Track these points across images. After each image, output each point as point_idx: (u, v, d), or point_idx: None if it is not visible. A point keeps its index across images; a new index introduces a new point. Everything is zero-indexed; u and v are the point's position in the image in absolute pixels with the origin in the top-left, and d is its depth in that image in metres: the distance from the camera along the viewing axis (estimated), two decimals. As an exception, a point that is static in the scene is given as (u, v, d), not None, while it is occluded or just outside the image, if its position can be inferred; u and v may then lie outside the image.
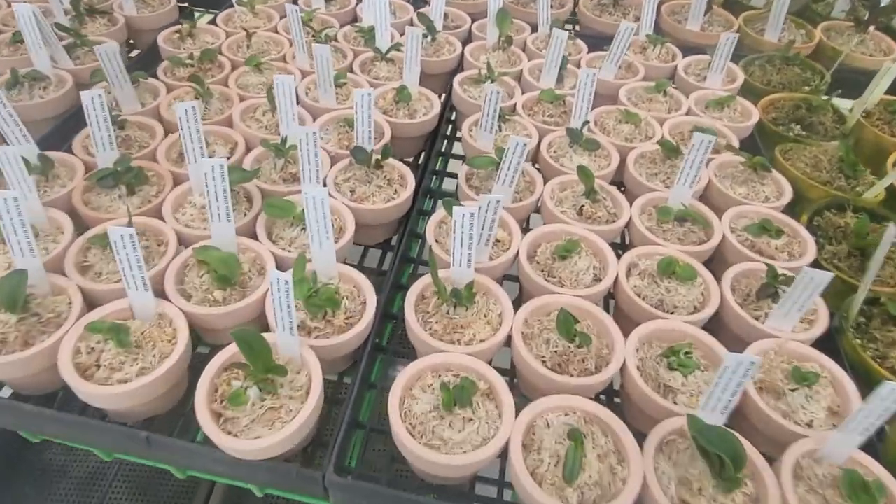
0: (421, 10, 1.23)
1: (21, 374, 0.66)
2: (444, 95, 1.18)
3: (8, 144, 0.83)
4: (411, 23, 1.28)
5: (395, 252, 0.86)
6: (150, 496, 1.38)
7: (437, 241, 0.81)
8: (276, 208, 0.79)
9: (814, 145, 1.03)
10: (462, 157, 1.11)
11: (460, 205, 0.71)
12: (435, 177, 1.06)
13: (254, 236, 0.79)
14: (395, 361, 0.78)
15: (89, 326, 0.64)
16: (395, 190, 0.88)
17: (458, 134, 1.14)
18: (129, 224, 0.75)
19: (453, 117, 1.17)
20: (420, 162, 1.06)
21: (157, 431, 0.65)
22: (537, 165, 0.98)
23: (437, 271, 0.71)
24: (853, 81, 1.17)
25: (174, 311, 0.69)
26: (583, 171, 0.85)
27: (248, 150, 0.92)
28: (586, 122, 0.97)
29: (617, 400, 0.76)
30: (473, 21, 1.30)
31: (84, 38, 1.10)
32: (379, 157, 0.87)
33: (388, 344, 0.79)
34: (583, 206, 0.86)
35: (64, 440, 0.71)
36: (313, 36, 1.15)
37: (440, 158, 1.10)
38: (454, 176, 1.06)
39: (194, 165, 0.82)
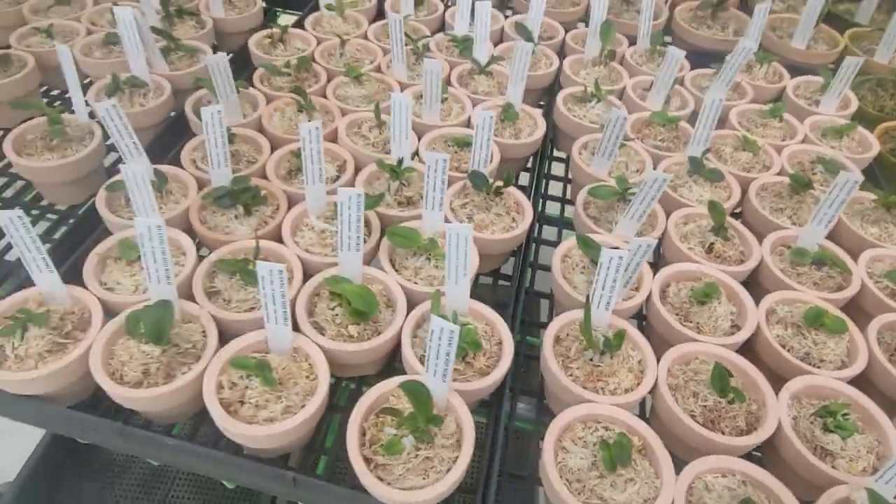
0: (518, 20, 1.19)
1: (163, 408, 0.64)
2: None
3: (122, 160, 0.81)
4: (502, 32, 1.24)
5: (515, 285, 0.83)
6: (211, 496, 1.37)
7: (564, 278, 0.78)
8: (400, 237, 0.76)
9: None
10: (559, 178, 1.07)
11: (591, 241, 0.68)
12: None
13: (372, 263, 0.77)
14: (519, 398, 0.76)
15: (234, 363, 0.62)
16: (513, 218, 0.85)
17: (555, 152, 1.11)
18: (257, 254, 0.73)
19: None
20: (527, 185, 1.02)
21: (293, 468, 0.63)
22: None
23: (587, 315, 0.68)
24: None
25: (310, 345, 0.67)
26: (714, 208, 0.82)
27: (356, 168, 0.90)
28: (707, 151, 0.93)
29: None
30: (566, 31, 1.26)
31: (178, 42, 1.08)
32: (501, 183, 0.84)
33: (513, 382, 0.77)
34: (712, 243, 0.82)
35: (200, 472, 0.70)
36: (409, 46, 1.11)
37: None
38: (555, 199, 1.03)
39: (314, 187, 0.79)
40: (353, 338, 0.68)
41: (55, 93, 1.15)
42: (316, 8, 1.31)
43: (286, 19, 1.35)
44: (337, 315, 0.70)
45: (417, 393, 0.57)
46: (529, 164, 1.06)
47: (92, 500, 1.36)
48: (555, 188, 1.05)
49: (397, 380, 0.63)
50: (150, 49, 1.01)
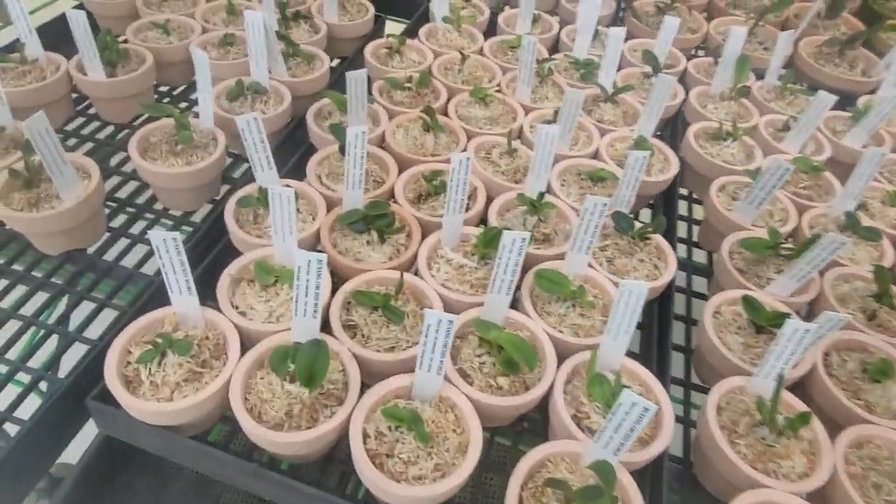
0: (645, 46, 1.13)
1: (302, 452, 0.60)
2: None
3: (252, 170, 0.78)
4: (622, 56, 1.19)
5: (660, 338, 0.77)
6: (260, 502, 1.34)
7: (718, 337, 0.72)
8: (548, 281, 0.71)
9: None
10: (683, 218, 1.01)
11: (758, 305, 0.62)
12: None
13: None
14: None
15: (387, 412, 0.58)
16: (656, 265, 0.80)
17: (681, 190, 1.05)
18: (399, 289, 0.69)
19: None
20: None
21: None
22: (792, 245, 0.88)
23: (776, 395, 0.62)
24: None
25: (458, 396, 0.62)
26: (880, 273, 0.75)
27: (491, 199, 0.85)
28: (860, 206, 0.86)
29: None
30: (687, 59, 1.19)
31: (297, 48, 1.04)
32: (651, 229, 0.79)
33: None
34: (875, 311, 0.76)
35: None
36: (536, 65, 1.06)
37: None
38: (681, 240, 0.97)
39: (453, 217, 0.75)
40: (503, 390, 0.64)
41: (163, 89, 1.13)
42: (426, 18, 1.27)
43: (392, 27, 1.31)
44: (485, 364, 0.65)
45: (605, 474, 0.52)
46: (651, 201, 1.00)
47: (144, 494, 1.34)
48: (681, 228, 0.99)
49: (560, 446, 0.59)
50: (272, 55, 0.98)
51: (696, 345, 0.76)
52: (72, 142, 1.00)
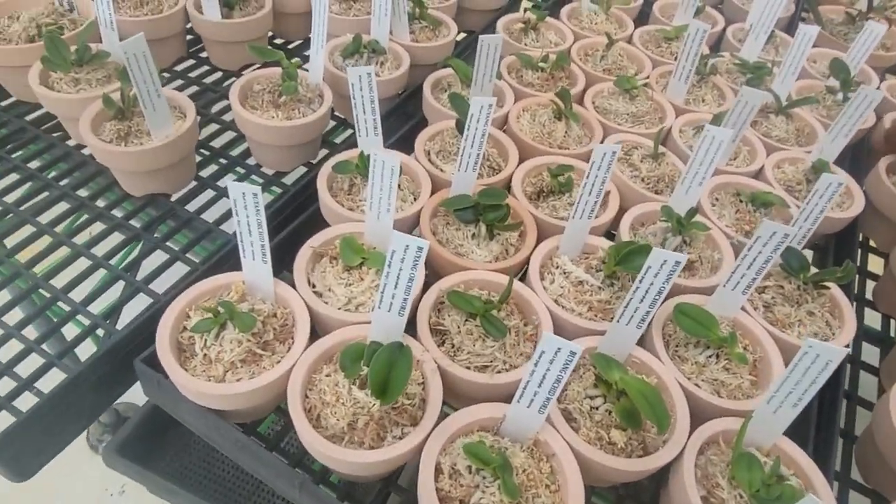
0: (838, 56, 0.94)
1: (362, 473, 0.50)
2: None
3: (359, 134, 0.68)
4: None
5: (822, 420, 0.60)
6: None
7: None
8: (692, 320, 0.56)
9: None
10: (861, 270, 0.82)
11: None
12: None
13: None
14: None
15: (469, 449, 0.46)
16: (828, 323, 0.62)
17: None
18: (505, 298, 0.56)
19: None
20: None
21: None
22: None
23: None
24: None
25: (558, 442, 0.49)
26: None
27: (623, 208, 0.71)
28: None
29: None
30: (881, 79, 0.99)
31: (425, 10, 0.94)
32: (835, 276, 0.62)
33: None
34: None
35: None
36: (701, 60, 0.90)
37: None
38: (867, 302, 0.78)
39: (579, 223, 0.61)
40: (615, 446, 0.50)
41: (278, 41, 1.06)
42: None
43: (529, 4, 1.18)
44: (597, 409, 0.52)
45: None
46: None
47: (199, 443, 1.30)
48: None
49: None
50: (397, 14, 0.88)
51: (866, 435, 0.59)
52: (177, 83, 0.95)
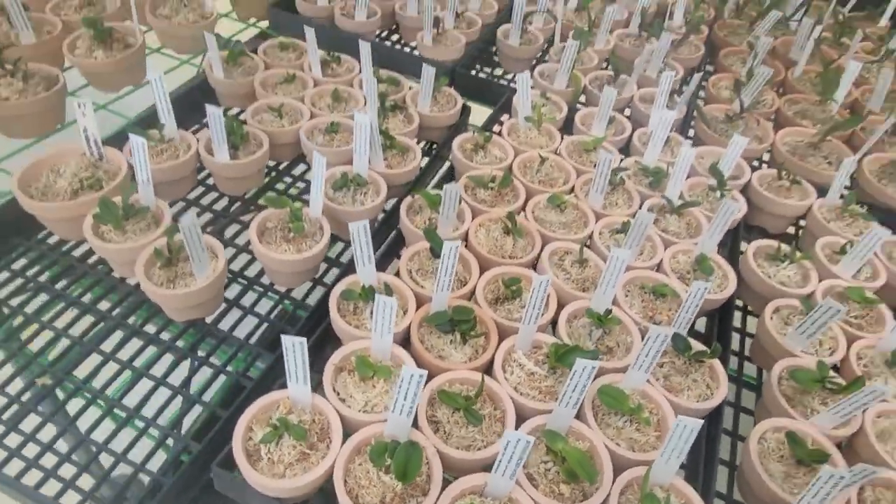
0: (715, 155, 1.21)
1: (390, 536, 0.71)
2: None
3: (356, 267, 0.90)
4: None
5: (707, 455, 0.85)
6: None
7: (761, 464, 0.79)
8: (610, 398, 0.80)
9: None
10: (737, 329, 1.08)
11: (801, 441, 0.69)
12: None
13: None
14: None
15: (466, 513, 0.68)
16: (708, 385, 0.87)
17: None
18: (480, 392, 0.79)
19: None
20: (703, 331, 1.04)
21: None
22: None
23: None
24: None
25: (526, 499, 0.71)
26: (922, 418, 0.81)
27: (560, 305, 0.94)
28: (913, 347, 0.92)
29: None
30: (753, 171, 1.27)
31: (393, 141, 1.17)
32: (709, 351, 0.87)
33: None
34: (915, 452, 0.82)
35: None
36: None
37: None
38: (733, 353, 1.04)
39: (529, 327, 0.85)
40: (564, 497, 0.73)
41: (271, 163, 1.27)
42: (507, 109, 1.38)
43: (478, 111, 1.43)
44: (549, 470, 0.75)
45: None
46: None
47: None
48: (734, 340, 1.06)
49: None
50: (374, 149, 1.11)
51: (741, 465, 0.84)
52: (192, 211, 1.15)
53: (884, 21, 1.82)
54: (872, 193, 1.30)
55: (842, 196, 1.20)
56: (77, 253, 1.05)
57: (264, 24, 1.72)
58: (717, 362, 0.89)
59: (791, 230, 1.29)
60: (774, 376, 0.89)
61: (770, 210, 1.21)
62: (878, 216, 1.20)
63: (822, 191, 1.23)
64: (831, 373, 0.88)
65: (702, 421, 0.68)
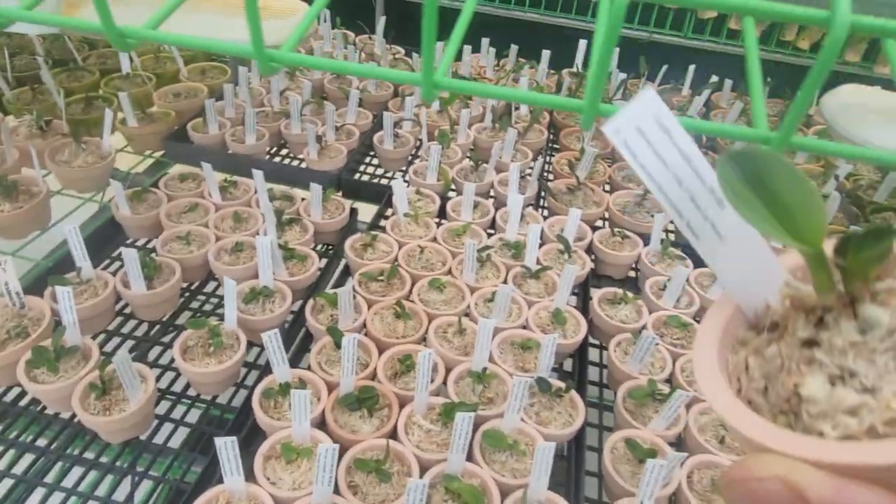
0: (560, 233, 1.49)
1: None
2: (576, 303, 1.41)
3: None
4: (542, 234, 1.54)
5: (576, 468, 1.06)
6: None
7: (614, 468, 1.01)
8: (492, 439, 1.00)
9: None
10: (595, 364, 1.33)
11: (638, 445, 0.92)
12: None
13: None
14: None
15: (385, 554, 0.84)
16: (570, 414, 1.10)
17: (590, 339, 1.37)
18: (387, 456, 0.96)
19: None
20: (571, 370, 1.27)
21: None
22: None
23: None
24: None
25: (433, 535, 0.89)
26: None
27: (448, 370, 1.15)
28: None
29: None
30: (593, 230, 1.56)
31: (292, 252, 1.36)
32: (563, 388, 1.09)
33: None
34: (724, 436, 1.07)
35: None
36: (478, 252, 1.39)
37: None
38: (594, 383, 1.28)
39: (422, 394, 1.04)
40: (464, 527, 0.91)
41: (184, 284, 1.42)
42: (389, 204, 1.62)
43: (363, 208, 1.65)
44: (450, 507, 0.93)
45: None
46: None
47: None
48: (593, 373, 1.30)
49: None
50: (276, 262, 1.29)
51: (602, 472, 1.05)
52: (114, 341, 1.27)
53: (685, 90, 2.24)
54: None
55: (662, 241, 1.50)
56: (8, 398, 1.14)
57: (159, 153, 1.88)
58: (575, 394, 1.12)
59: (633, 274, 1.58)
60: (619, 397, 1.13)
61: (610, 262, 1.50)
62: (694, 253, 1.51)
63: (647, 240, 1.53)
64: (661, 386, 1.13)
65: (553, 444, 0.89)
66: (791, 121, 0.32)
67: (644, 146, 0.27)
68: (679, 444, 1.12)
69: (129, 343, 1.27)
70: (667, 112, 0.27)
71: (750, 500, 0.22)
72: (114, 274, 1.27)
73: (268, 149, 1.88)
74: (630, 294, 1.34)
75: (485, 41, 2.21)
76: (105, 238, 1.51)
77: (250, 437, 1.06)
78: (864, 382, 0.24)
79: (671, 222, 1.67)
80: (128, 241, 1.53)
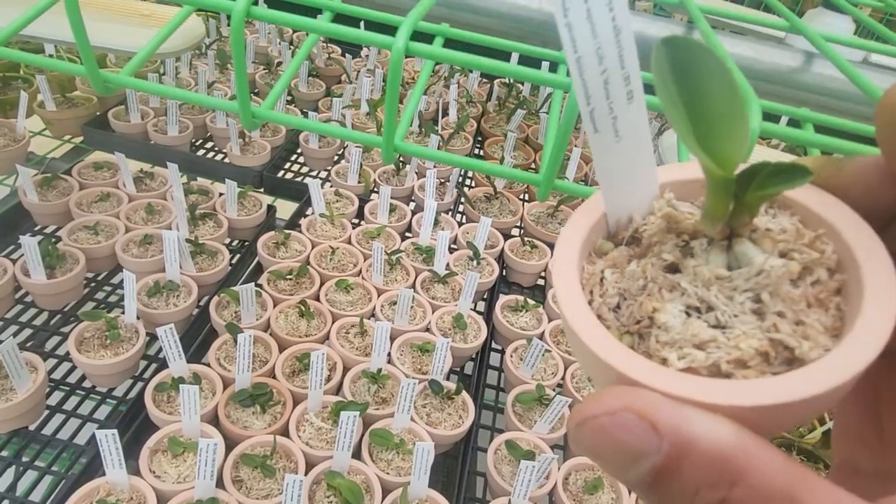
0: (469, 237, 1.54)
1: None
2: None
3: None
4: (456, 240, 1.60)
5: (462, 468, 1.11)
6: None
7: (495, 468, 1.07)
8: (379, 437, 1.04)
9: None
10: (496, 368, 1.39)
11: (517, 446, 0.98)
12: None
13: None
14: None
15: (259, 546, 0.87)
16: (461, 416, 1.15)
17: (493, 345, 1.43)
18: (273, 451, 0.99)
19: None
20: (471, 373, 1.33)
21: None
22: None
23: (505, 506, 0.97)
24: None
25: (312, 528, 0.92)
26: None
27: (344, 369, 1.18)
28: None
29: None
30: (505, 238, 1.62)
31: (202, 247, 1.37)
32: (454, 390, 1.15)
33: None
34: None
35: None
36: (386, 256, 1.43)
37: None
38: (492, 387, 1.34)
39: (315, 392, 1.07)
40: (343, 521, 0.95)
41: (89, 274, 1.40)
42: (309, 203, 1.63)
43: (284, 205, 1.66)
44: (332, 502, 0.96)
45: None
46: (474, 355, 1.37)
47: None
48: (492, 377, 1.36)
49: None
50: (184, 257, 1.30)
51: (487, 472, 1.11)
52: (11, 329, 1.25)
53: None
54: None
55: (569, 253, 1.58)
56: None
57: (78, 139, 1.84)
58: (467, 396, 1.18)
59: (541, 282, 1.66)
60: (509, 400, 1.19)
61: (518, 269, 1.57)
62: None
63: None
64: (550, 392, 1.20)
65: (432, 444, 0.94)
66: (551, 168, 0.37)
67: (580, 2, 0.23)
68: (565, 448, 1.20)
69: (28, 332, 1.25)
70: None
71: (601, 436, 0.20)
72: (15, 261, 1.25)
73: (192, 141, 1.86)
74: (531, 301, 1.41)
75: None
76: (12, 223, 1.47)
77: (142, 430, 1.07)
78: (720, 318, 0.23)
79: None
80: (36, 228, 1.49)
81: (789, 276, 0.23)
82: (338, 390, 1.17)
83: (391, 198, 1.59)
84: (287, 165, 1.90)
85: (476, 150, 2.07)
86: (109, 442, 0.88)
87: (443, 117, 2.03)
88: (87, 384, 1.17)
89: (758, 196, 0.23)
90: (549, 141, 0.37)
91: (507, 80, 2.28)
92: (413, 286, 1.41)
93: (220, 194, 1.57)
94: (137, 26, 0.69)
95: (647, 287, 0.25)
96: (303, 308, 1.25)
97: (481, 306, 1.52)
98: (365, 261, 1.45)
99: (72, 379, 1.18)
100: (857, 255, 0.23)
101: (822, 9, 0.84)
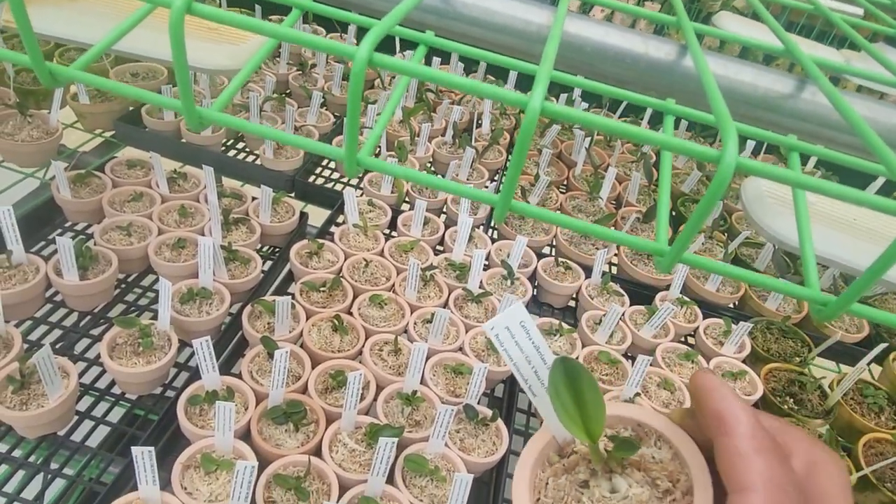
0: (504, 256, 1.52)
1: None
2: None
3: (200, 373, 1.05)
4: (489, 255, 1.57)
5: (495, 495, 1.09)
6: None
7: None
8: (413, 463, 1.02)
9: (802, 422, 1.33)
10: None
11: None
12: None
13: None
14: None
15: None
16: (494, 443, 1.12)
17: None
18: (307, 473, 0.97)
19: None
20: (501, 395, 1.31)
21: None
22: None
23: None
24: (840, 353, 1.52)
25: (345, 556, 0.90)
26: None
27: (380, 388, 1.16)
28: (638, 394, 1.24)
29: None
30: (539, 258, 1.59)
31: (235, 253, 1.35)
32: (490, 416, 1.12)
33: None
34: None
35: None
36: (420, 272, 1.41)
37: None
38: (522, 411, 1.32)
39: (350, 412, 1.05)
40: (376, 549, 0.93)
41: (121, 275, 1.39)
42: (341, 211, 1.61)
43: (314, 211, 1.64)
44: (365, 530, 0.94)
45: None
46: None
47: None
48: (523, 400, 1.34)
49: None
50: (217, 263, 1.28)
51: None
52: (41, 329, 1.23)
53: (643, 125, 2.31)
54: (627, 272, 1.68)
55: (603, 275, 1.55)
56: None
57: (109, 133, 1.83)
58: (500, 423, 1.15)
59: (573, 304, 1.63)
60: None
61: (551, 290, 1.54)
62: (632, 289, 1.57)
63: (589, 272, 1.58)
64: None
65: (471, 476, 0.92)
66: (682, 242, 0.34)
67: (509, 338, 0.41)
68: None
69: (57, 333, 1.23)
70: (527, 316, 0.42)
71: None
72: (47, 258, 1.24)
73: (224, 141, 1.85)
74: (566, 326, 1.38)
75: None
76: (43, 219, 1.46)
77: (173, 441, 1.05)
78: None
79: (615, 255, 1.73)
80: (67, 224, 1.48)
81: (646, 498, 0.38)
82: (369, 409, 1.15)
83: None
84: (318, 171, 1.88)
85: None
86: (145, 459, 0.86)
87: (476, 128, 2.01)
88: (116, 389, 1.16)
89: (615, 455, 0.39)
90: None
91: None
92: (446, 304, 1.39)
93: (253, 198, 1.55)
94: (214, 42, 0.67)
95: (564, 497, 0.39)
96: (337, 322, 1.23)
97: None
98: (398, 275, 1.42)
99: (101, 384, 1.17)
100: (690, 466, 0.38)
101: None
